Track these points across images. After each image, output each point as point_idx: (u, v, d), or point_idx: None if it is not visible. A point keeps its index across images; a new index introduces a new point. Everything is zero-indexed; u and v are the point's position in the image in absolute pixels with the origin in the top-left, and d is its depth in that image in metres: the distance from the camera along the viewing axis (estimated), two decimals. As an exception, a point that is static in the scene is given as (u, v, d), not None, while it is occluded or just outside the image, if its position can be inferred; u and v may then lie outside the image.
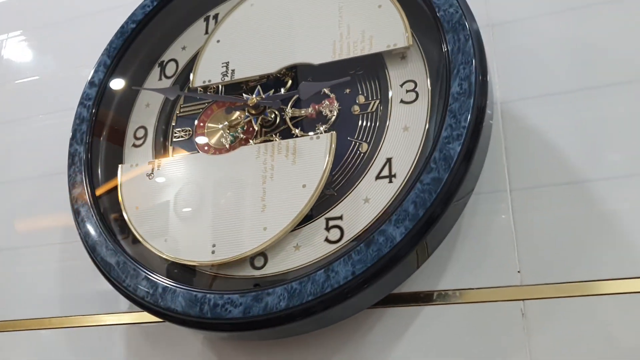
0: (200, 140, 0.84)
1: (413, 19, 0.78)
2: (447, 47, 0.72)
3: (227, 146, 0.82)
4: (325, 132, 0.77)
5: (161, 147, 0.86)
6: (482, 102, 0.68)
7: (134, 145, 0.88)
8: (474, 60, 0.70)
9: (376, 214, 0.71)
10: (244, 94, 0.82)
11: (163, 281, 0.72)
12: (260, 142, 0.79)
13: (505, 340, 0.70)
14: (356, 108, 0.79)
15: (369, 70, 0.80)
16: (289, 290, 0.66)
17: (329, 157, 0.73)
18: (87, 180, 0.82)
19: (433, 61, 0.76)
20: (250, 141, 0.81)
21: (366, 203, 0.72)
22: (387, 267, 0.65)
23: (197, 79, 0.87)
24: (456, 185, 0.66)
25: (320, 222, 0.73)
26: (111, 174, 0.85)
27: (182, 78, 0.90)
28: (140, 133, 0.88)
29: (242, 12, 0.89)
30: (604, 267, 0.70)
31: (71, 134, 0.86)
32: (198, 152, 0.84)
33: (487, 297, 0.73)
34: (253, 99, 0.79)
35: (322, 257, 0.71)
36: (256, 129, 0.81)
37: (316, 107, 0.80)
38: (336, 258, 0.66)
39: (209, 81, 0.86)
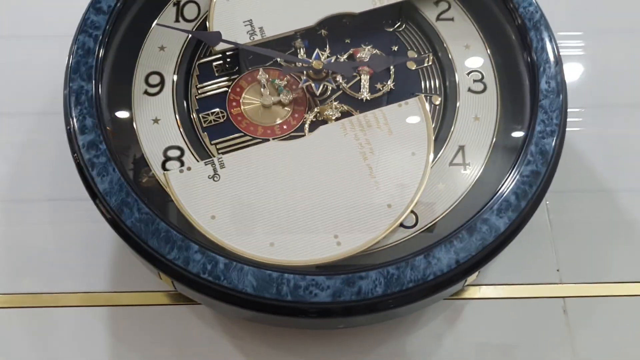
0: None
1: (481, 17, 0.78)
2: (530, 44, 0.72)
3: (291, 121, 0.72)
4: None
5: (190, 131, 0.71)
6: (566, 101, 0.70)
7: (147, 93, 0.73)
8: (558, 64, 0.71)
9: (453, 201, 0.68)
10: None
11: (225, 256, 0.60)
12: (334, 118, 0.72)
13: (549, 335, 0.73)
14: (412, 62, 0.76)
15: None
16: (385, 275, 0.60)
17: (427, 120, 0.70)
18: (101, 125, 0.66)
19: (499, 55, 0.76)
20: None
21: (440, 189, 0.69)
22: (488, 257, 0.62)
23: (214, 37, 0.73)
24: (550, 180, 0.66)
25: (394, 204, 0.68)
26: (121, 118, 0.70)
27: (204, 28, 0.77)
28: (155, 80, 0.73)
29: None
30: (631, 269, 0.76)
31: (70, 65, 0.69)
32: (263, 140, 0.71)
33: (530, 294, 0.75)
34: (319, 62, 0.71)
35: (398, 242, 0.66)
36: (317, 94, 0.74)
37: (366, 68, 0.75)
38: (436, 244, 0.62)
39: (235, 41, 0.73)
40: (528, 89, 0.72)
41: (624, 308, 0.74)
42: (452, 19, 0.79)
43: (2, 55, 0.89)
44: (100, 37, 0.71)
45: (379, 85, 0.75)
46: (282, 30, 0.76)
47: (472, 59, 0.77)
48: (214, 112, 0.72)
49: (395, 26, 0.79)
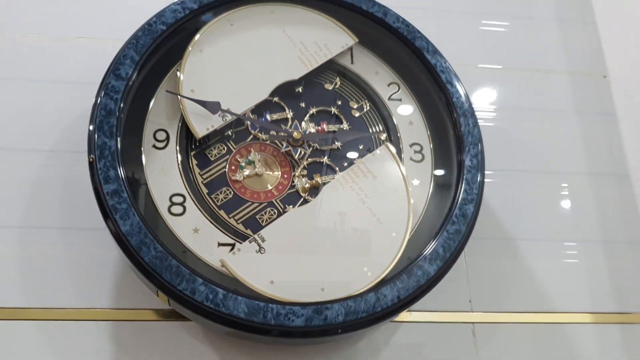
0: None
1: (421, 97, 1.00)
2: (459, 128, 0.94)
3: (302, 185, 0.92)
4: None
5: (208, 210, 0.87)
6: (484, 175, 0.92)
7: (155, 147, 0.88)
8: (479, 144, 0.93)
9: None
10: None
11: (225, 288, 0.78)
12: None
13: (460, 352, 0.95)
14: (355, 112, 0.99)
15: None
16: (345, 307, 0.79)
17: (398, 162, 0.93)
18: (122, 176, 0.81)
19: (437, 132, 0.98)
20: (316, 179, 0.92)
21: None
22: (422, 294, 0.83)
23: (199, 128, 0.89)
24: (469, 235, 0.88)
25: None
26: (133, 163, 0.86)
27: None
28: (162, 136, 0.89)
29: (195, 60, 0.93)
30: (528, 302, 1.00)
31: (94, 123, 0.83)
32: (268, 203, 0.90)
33: (447, 319, 0.96)
34: (298, 133, 0.90)
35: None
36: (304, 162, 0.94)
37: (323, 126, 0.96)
38: (382, 283, 0.82)
39: (212, 127, 0.89)
40: (455, 163, 0.93)
41: (522, 332, 0.97)
42: (400, 100, 1.00)
43: (18, 96, 1.00)
44: (120, 100, 0.85)
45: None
46: (246, 107, 0.92)
47: (415, 134, 0.98)
48: (221, 191, 0.89)
49: (334, 84, 1.01)
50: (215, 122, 0.90)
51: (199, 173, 0.89)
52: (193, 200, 0.86)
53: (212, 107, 0.89)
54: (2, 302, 0.87)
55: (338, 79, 1.02)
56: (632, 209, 1.11)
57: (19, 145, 0.97)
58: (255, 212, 0.89)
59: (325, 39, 0.99)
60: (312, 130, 0.94)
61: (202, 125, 0.89)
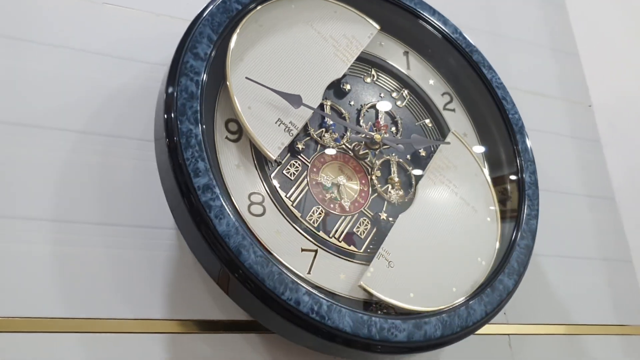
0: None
1: (473, 110, 1.00)
2: (516, 144, 0.95)
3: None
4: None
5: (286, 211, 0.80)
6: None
7: (228, 139, 0.79)
8: (534, 162, 0.96)
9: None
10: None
11: (326, 298, 0.71)
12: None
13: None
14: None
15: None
16: (442, 322, 0.77)
17: (467, 147, 0.97)
18: (213, 169, 0.71)
19: (489, 146, 0.99)
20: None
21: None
22: (501, 307, 0.83)
23: (269, 148, 0.79)
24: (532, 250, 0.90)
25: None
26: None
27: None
28: (233, 127, 0.80)
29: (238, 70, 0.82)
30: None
31: (178, 109, 0.72)
32: (359, 214, 0.85)
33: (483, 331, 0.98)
34: (379, 136, 0.85)
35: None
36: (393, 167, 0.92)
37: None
38: (470, 298, 0.81)
39: (282, 144, 0.80)
40: (515, 178, 0.95)
41: (553, 343, 1.01)
42: (453, 110, 1.00)
43: (48, 65, 0.84)
44: (201, 82, 0.75)
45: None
46: (306, 118, 0.84)
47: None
48: (314, 211, 0.82)
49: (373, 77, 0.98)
50: (284, 138, 0.81)
51: (285, 196, 0.81)
52: (272, 200, 0.78)
53: (294, 100, 0.82)
54: (39, 312, 0.72)
55: (373, 70, 0.98)
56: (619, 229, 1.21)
57: (47, 123, 0.81)
58: (351, 225, 0.84)
59: (352, 31, 0.94)
60: (364, 127, 0.91)
61: (272, 144, 0.79)
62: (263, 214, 0.77)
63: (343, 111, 0.91)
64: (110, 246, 0.78)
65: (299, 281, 0.71)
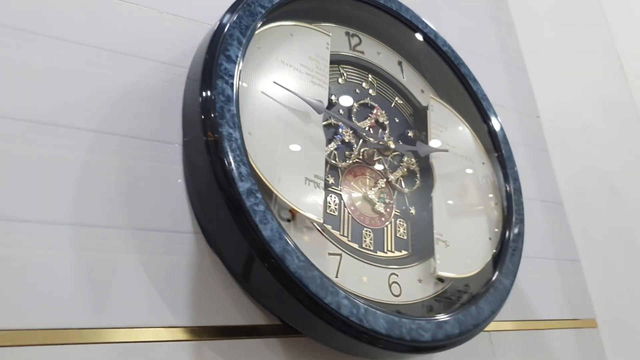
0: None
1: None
2: (501, 153, 1.03)
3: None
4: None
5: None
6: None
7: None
8: (515, 167, 1.04)
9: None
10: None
11: (362, 302, 0.73)
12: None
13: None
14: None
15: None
16: (458, 321, 0.82)
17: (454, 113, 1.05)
18: (255, 174, 0.71)
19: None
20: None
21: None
22: (502, 306, 0.89)
23: (313, 215, 0.78)
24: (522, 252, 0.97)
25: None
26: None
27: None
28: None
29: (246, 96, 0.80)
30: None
31: (217, 111, 0.71)
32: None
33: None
34: (392, 142, 0.88)
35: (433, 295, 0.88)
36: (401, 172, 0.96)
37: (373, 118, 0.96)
38: (478, 298, 0.86)
39: (319, 204, 0.79)
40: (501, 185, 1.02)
41: (525, 338, 1.09)
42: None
43: (65, 60, 0.79)
44: (235, 85, 0.75)
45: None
46: (322, 164, 0.82)
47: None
48: (364, 235, 0.86)
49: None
50: (318, 197, 0.79)
51: (340, 234, 0.84)
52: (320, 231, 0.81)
53: (318, 107, 0.83)
54: (66, 322, 0.68)
55: (341, 68, 0.98)
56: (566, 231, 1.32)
57: (62, 121, 0.76)
58: (394, 231, 0.89)
59: (313, 49, 0.90)
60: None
61: (313, 209, 0.78)
62: (292, 219, 0.78)
63: (352, 122, 0.92)
64: (133, 251, 0.75)
65: (336, 285, 0.73)
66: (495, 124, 1.05)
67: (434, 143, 0.98)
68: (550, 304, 1.20)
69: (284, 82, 0.83)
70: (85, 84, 0.79)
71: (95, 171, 0.76)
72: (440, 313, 0.83)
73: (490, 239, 0.97)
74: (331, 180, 0.86)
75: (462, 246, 0.92)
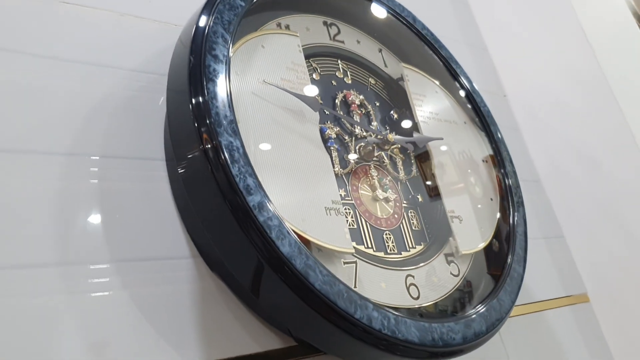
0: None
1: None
2: (492, 136, 0.99)
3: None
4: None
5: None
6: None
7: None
8: (507, 149, 1.00)
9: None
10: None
11: (391, 312, 0.67)
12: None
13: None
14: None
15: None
16: (484, 318, 0.77)
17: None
18: (262, 185, 0.63)
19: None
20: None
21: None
22: (519, 292, 0.85)
23: (342, 246, 0.72)
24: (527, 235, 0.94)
25: (441, 258, 0.84)
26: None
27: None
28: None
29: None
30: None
31: (212, 117, 0.63)
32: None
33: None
34: (392, 136, 0.82)
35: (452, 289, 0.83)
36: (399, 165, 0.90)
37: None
38: (497, 290, 0.82)
39: (346, 232, 0.73)
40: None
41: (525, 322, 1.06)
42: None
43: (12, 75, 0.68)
44: (226, 87, 0.67)
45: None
46: (334, 184, 0.76)
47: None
48: (385, 240, 0.81)
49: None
50: (342, 224, 0.73)
51: (364, 248, 0.78)
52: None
53: (312, 103, 0.76)
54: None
55: (312, 62, 0.89)
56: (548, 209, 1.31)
57: (28, 147, 0.66)
58: (409, 225, 0.85)
59: (288, 56, 0.82)
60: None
61: (340, 240, 0.71)
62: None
63: (350, 118, 0.86)
64: (129, 286, 0.66)
65: (363, 297, 0.66)
66: (482, 100, 1.02)
67: (419, 115, 0.93)
68: (545, 283, 1.18)
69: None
70: (50, 102, 0.69)
71: (72, 200, 0.67)
72: (461, 310, 0.78)
73: (491, 199, 0.95)
74: (342, 193, 0.79)
75: (472, 216, 0.91)
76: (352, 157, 0.82)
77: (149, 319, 0.66)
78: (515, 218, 0.92)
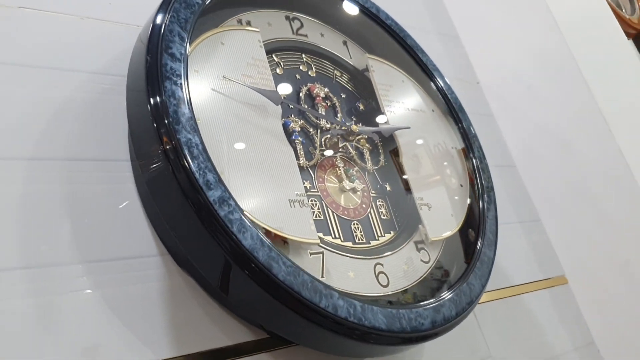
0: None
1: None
2: (461, 123, 1.00)
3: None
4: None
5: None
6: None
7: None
8: (477, 135, 1.01)
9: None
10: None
11: (357, 299, 0.68)
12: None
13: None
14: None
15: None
16: (454, 302, 0.78)
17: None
18: (222, 180, 0.64)
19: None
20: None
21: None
22: (489, 276, 0.86)
23: (308, 237, 0.72)
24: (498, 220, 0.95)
25: (411, 245, 0.85)
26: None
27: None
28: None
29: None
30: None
31: (170, 116, 0.63)
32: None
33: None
34: (356, 127, 0.83)
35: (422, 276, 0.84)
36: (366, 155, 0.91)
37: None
38: (467, 274, 0.83)
39: (311, 223, 0.73)
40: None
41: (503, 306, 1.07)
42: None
43: None
44: (183, 84, 0.67)
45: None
46: (298, 176, 0.76)
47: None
48: (354, 230, 0.82)
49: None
50: (307, 215, 0.73)
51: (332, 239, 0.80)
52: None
53: (273, 97, 0.77)
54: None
55: (275, 57, 0.88)
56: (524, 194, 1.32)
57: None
58: (377, 214, 0.86)
59: (248, 51, 0.81)
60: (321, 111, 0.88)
61: (306, 231, 0.71)
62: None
63: (314, 110, 0.86)
64: (94, 287, 0.66)
65: (328, 286, 0.67)
66: (450, 88, 1.03)
67: (385, 105, 0.93)
68: (522, 267, 1.19)
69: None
70: (10, 107, 0.70)
71: (36, 204, 0.67)
72: (432, 296, 0.79)
73: (461, 185, 0.96)
74: (307, 185, 0.80)
75: (442, 203, 0.91)
76: (317, 149, 0.83)
77: (119, 316, 0.66)
78: (486, 202, 0.93)
